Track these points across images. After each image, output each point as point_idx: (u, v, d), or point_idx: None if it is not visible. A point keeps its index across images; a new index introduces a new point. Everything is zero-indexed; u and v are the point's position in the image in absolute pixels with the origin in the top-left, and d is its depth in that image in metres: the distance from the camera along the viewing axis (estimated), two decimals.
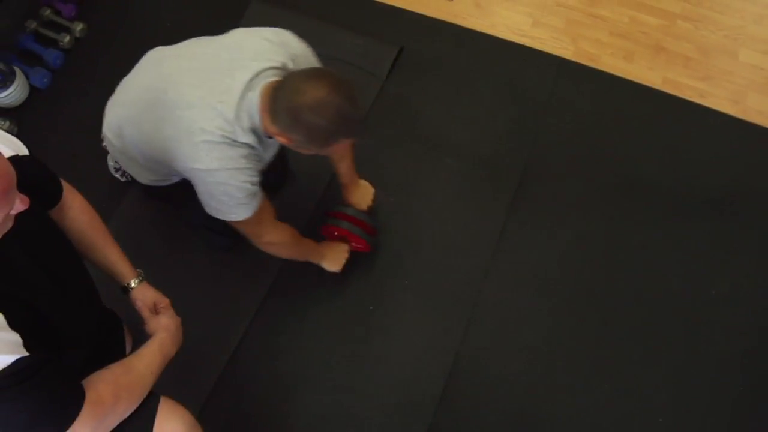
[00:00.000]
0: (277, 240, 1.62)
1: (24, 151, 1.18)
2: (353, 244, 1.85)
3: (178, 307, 1.46)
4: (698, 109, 2.29)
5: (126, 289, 1.40)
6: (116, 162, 2.08)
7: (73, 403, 1.02)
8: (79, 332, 1.22)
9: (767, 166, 2.17)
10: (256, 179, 1.43)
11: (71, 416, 1.01)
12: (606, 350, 1.89)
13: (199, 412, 1.77)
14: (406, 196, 2.12)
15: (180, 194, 1.65)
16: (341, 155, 1.77)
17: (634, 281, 1.98)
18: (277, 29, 1.49)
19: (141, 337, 1.39)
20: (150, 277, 1.46)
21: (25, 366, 0.94)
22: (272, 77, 1.36)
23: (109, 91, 1.62)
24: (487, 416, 1.82)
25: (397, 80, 2.35)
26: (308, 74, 1.30)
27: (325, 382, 1.87)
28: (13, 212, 0.93)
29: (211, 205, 1.46)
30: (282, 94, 1.29)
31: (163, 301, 1.43)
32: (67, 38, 2.43)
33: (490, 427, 1.81)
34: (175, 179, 1.67)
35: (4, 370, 0.92)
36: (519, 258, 2.02)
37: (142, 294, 1.40)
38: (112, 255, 1.38)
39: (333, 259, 1.84)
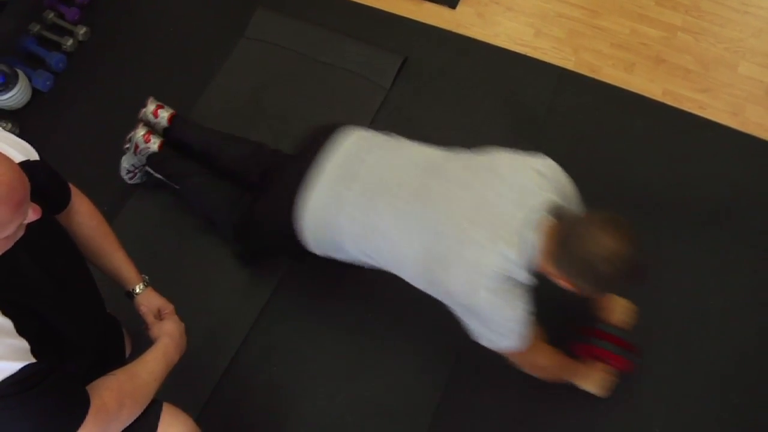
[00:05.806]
0: (548, 363, 1.60)
1: (35, 156, 1.18)
2: (613, 363, 1.75)
3: (179, 311, 1.46)
4: (698, 120, 2.30)
5: (131, 295, 1.41)
6: (131, 165, 2.08)
7: (77, 411, 1.03)
8: (85, 339, 1.22)
9: (766, 178, 2.18)
10: (531, 308, 1.42)
11: (76, 423, 1.02)
12: None
13: (197, 417, 1.76)
14: None
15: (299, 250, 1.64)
16: None
17: (631, 292, 1.99)
18: (545, 160, 1.49)
19: (141, 341, 1.40)
20: (150, 278, 1.47)
21: (33, 373, 0.95)
22: (547, 214, 1.34)
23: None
24: (484, 425, 1.82)
25: (400, 89, 2.36)
26: (602, 223, 1.26)
27: (323, 389, 1.87)
28: (26, 222, 0.93)
29: (485, 336, 1.46)
30: (573, 242, 1.26)
31: (168, 307, 1.43)
32: (70, 41, 2.44)
33: None
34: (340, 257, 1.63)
35: (12, 376, 0.93)
36: None
37: (147, 300, 1.41)
38: (117, 260, 1.38)
39: (599, 382, 1.73)
